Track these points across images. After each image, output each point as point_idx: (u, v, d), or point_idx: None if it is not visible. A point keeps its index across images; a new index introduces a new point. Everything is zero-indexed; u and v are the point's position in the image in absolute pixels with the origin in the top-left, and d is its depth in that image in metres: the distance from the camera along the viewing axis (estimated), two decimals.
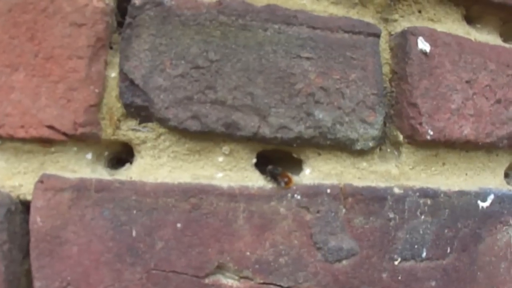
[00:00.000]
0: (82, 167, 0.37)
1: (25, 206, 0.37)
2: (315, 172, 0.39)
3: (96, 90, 0.35)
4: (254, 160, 0.39)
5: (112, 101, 0.36)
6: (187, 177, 0.37)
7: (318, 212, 0.37)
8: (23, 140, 0.35)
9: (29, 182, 0.36)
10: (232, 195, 0.36)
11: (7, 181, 0.36)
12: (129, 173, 0.37)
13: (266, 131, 0.37)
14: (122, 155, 0.41)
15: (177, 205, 0.36)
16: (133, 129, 0.37)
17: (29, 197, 0.36)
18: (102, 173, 0.38)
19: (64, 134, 0.35)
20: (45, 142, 0.35)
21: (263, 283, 0.36)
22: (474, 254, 0.40)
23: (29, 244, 0.36)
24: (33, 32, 0.35)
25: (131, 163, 0.39)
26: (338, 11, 0.40)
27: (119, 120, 0.37)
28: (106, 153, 0.39)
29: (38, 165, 0.36)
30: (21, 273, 0.37)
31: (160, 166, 0.37)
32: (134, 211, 0.35)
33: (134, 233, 0.35)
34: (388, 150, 0.42)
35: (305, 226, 0.37)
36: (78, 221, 0.35)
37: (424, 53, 0.40)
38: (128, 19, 0.36)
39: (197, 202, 0.36)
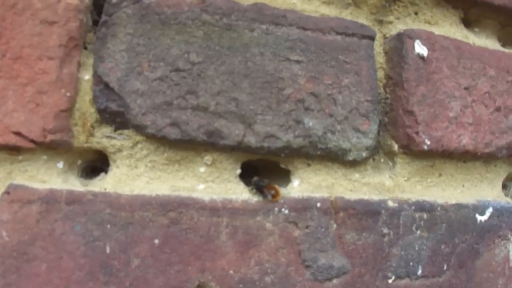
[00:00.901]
0: (53, 177, 0.34)
1: None
2: (304, 184, 0.37)
3: (68, 94, 0.33)
4: (239, 171, 0.36)
5: (86, 106, 0.34)
6: (165, 189, 0.35)
7: (307, 227, 0.35)
8: None
9: None
10: (214, 209, 0.34)
11: None
12: (104, 183, 0.35)
13: (251, 140, 0.34)
14: (96, 163, 0.38)
15: (154, 219, 0.33)
16: (108, 137, 0.34)
17: None
18: (75, 184, 0.35)
19: (32, 141, 0.32)
20: (12, 150, 0.33)
21: None
22: (471, 270, 0.38)
23: None
24: (1, 30, 0.33)
25: (106, 172, 0.37)
26: (330, 11, 0.38)
27: (92, 127, 0.34)
28: (79, 162, 0.36)
29: (4, 174, 0.33)
30: None
31: (136, 176, 0.35)
32: (108, 226, 0.33)
33: (108, 250, 0.33)
34: (382, 160, 0.40)
35: (293, 243, 0.35)
36: (47, 236, 0.32)
37: (421, 57, 0.38)
38: (103, 17, 0.34)
39: (176, 216, 0.33)
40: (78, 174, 0.37)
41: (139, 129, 0.33)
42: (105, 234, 0.33)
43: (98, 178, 0.36)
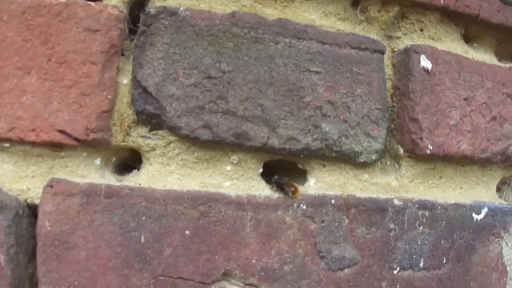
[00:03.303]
0: (91, 172, 0.37)
1: (32, 209, 0.37)
2: (320, 182, 0.41)
3: (109, 96, 0.36)
4: (261, 170, 0.40)
5: (123, 108, 0.37)
6: (195, 185, 0.38)
7: (322, 221, 0.39)
8: (33, 144, 0.36)
9: (37, 186, 0.37)
10: (240, 204, 0.38)
11: (15, 184, 0.36)
12: (138, 179, 0.38)
13: (275, 142, 0.38)
14: (129, 161, 0.41)
15: (185, 212, 0.37)
16: (143, 136, 0.37)
17: (36, 201, 0.36)
18: (110, 179, 0.38)
19: (76, 139, 0.35)
20: (55, 147, 0.36)
21: None
22: (468, 264, 0.43)
23: (34, 248, 0.36)
24: (47, 35, 0.36)
25: (138, 169, 0.40)
26: (345, 27, 0.42)
27: (129, 127, 0.37)
28: (113, 159, 0.39)
29: (46, 169, 0.36)
30: (26, 277, 0.37)
31: (168, 173, 0.38)
32: (143, 218, 0.36)
33: (142, 239, 0.36)
34: (388, 163, 0.44)
35: (310, 235, 0.39)
36: (87, 226, 0.36)
37: (426, 70, 0.42)
38: (142, 27, 0.37)
39: (206, 210, 0.37)
40: (112, 170, 0.40)
41: (173, 130, 0.36)
42: (140, 225, 0.36)
43: (131, 174, 0.39)
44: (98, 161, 0.36)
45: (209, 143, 0.36)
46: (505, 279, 0.42)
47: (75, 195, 0.34)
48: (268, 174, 0.40)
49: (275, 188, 0.38)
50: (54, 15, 0.35)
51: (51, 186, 0.34)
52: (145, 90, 0.35)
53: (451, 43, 0.44)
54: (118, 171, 0.39)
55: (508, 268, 0.42)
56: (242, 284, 0.36)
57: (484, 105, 0.43)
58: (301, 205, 0.38)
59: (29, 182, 0.35)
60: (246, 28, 0.37)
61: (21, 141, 0.34)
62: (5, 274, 0.34)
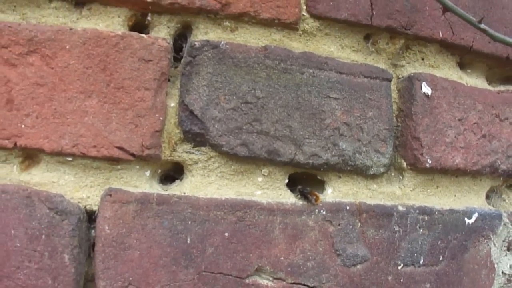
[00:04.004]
0: (142, 183, 0.43)
1: (89, 215, 0.43)
2: (336, 192, 0.47)
3: (160, 118, 0.41)
4: (287, 181, 0.46)
5: (171, 127, 0.43)
6: (232, 194, 0.44)
7: (339, 225, 0.45)
8: (93, 158, 0.41)
9: (95, 194, 0.42)
10: (270, 210, 0.44)
11: (76, 193, 0.41)
12: (182, 188, 0.44)
13: (300, 157, 0.44)
14: (170, 172, 0.47)
15: (225, 217, 0.43)
16: (187, 152, 0.43)
17: (94, 208, 0.42)
18: (158, 188, 0.44)
19: (132, 154, 0.41)
20: (113, 161, 0.41)
21: (293, 283, 0.44)
22: (461, 262, 0.50)
23: (89, 249, 0.42)
24: (106, 64, 0.41)
25: (180, 180, 0.46)
26: (358, 57, 0.48)
27: (175, 144, 0.43)
28: (159, 171, 0.45)
29: (103, 180, 0.42)
30: (83, 274, 0.43)
31: (209, 183, 0.44)
32: (189, 222, 0.42)
33: (188, 240, 0.42)
34: (393, 174, 0.50)
35: (328, 236, 0.45)
36: (140, 229, 0.41)
37: (426, 95, 0.49)
38: (188, 58, 0.43)
39: (242, 215, 0.43)
40: (158, 180, 0.46)
41: (215, 147, 0.42)
42: (186, 228, 0.42)
43: (175, 184, 0.45)
44: (147, 173, 0.42)
45: (245, 158, 0.42)
46: (493, 275, 0.50)
47: (131, 203, 0.40)
48: (291, 185, 0.46)
49: (299, 196, 0.44)
50: (112, 46, 0.41)
51: (110, 195, 0.40)
52: (191, 113, 0.41)
53: (448, 70, 0.51)
54: (162, 181, 0.45)
55: (496, 265, 0.50)
56: (271, 278, 0.43)
57: (476, 124, 0.50)
58: (321, 211, 0.44)
59: (88, 191, 0.41)
60: (277, 60, 0.43)
61: (83, 156, 0.40)
62: (69, 271, 0.39)
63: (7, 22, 0.39)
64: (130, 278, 0.39)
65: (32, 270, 0.38)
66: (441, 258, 0.47)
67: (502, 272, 0.50)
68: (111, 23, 0.41)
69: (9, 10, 0.40)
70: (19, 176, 0.40)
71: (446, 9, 0.43)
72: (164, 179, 0.46)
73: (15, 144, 0.38)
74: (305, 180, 0.47)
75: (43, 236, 0.38)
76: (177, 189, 0.43)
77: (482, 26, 0.43)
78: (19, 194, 0.38)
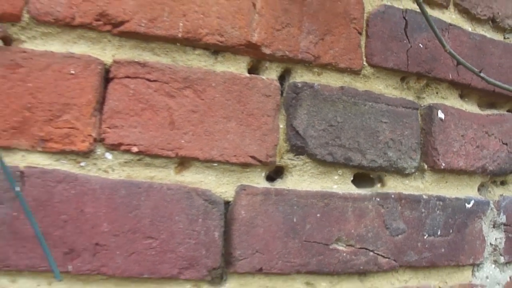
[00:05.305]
0: (261, 181, 0.62)
1: (225, 204, 0.60)
2: (383, 186, 0.69)
3: (277, 136, 0.61)
4: (352, 178, 0.67)
5: (281, 142, 0.62)
6: (318, 187, 0.64)
7: (387, 208, 0.67)
8: (232, 164, 0.59)
9: (230, 189, 0.60)
10: (344, 198, 0.65)
11: (217, 188, 0.59)
12: (284, 184, 0.63)
13: (364, 162, 0.66)
14: (271, 173, 0.67)
15: (317, 203, 0.63)
16: (290, 159, 0.63)
17: (229, 199, 0.60)
18: (266, 184, 0.63)
19: (260, 161, 0.60)
20: (245, 166, 0.60)
21: (360, 248, 0.65)
22: (463, 234, 0.73)
23: (225, 228, 0.59)
24: (240, 97, 0.60)
25: (281, 178, 0.65)
26: (397, 93, 0.70)
27: (283, 153, 0.63)
28: (267, 172, 0.64)
29: (236, 179, 0.60)
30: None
31: (303, 181, 0.64)
32: (294, 207, 0.61)
33: (294, 220, 0.61)
34: (418, 173, 0.73)
35: (381, 216, 0.67)
36: (264, 213, 0.60)
37: (441, 119, 0.72)
38: (292, 94, 0.62)
39: (327, 202, 0.63)
40: (265, 179, 0.65)
41: (311, 156, 0.62)
42: (293, 212, 0.61)
43: (277, 182, 0.65)
44: (263, 174, 0.62)
45: (329, 163, 0.63)
46: (483, 245, 0.74)
47: (258, 195, 0.59)
48: (354, 181, 0.67)
49: (358, 185, 0.65)
50: (244, 85, 0.59)
51: (244, 189, 0.59)
52: (297, 132, 0.61)
53: (453, 100, 0.75)
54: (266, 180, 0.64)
55: (486, 238, 0.74)
56: (345, 245, 0.63)
57: (472, 139, 0.74)
58: (376, 198, 0.66)
59: (225, 187, 0.59)
60: (349, 96, 0.64)
61: (226, 162, 0.58)
62: (218, 244, 0.58)
63: (167, 63, 0.57)
64: (257, 247, 0.59)
65: (191, 245, 0.56)
66: (451, 231, 0.71)
67: (490, 243, 0.75)
68: (239, 67, 0.60)
69: (163, 54, 0.58)
70: (175, 177, 0.57)
71: (458, 63, 0.66)
72: (267, 178, 0.65)
73: (176, 154, 0.56)
74: (362, 178, 0.69)
75: (200, 219, 0.56)
76: (282, 184, 0.63)
77: (482, 74, 0.66)
78: (181, 190, 0.56)
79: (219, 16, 0.58)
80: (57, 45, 0.54)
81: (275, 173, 0.64)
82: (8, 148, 0.52)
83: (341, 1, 0.64)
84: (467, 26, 0.76)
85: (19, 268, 0.51)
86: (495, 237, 0.75)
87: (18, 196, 0.48)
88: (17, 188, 0.49)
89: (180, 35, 0.56)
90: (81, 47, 0.55)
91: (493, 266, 0.75)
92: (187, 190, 0.56)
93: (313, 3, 0.62)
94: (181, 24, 0.56)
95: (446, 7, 0.74)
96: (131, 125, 0.54)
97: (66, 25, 0.54)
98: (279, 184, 0.62)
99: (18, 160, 0.53)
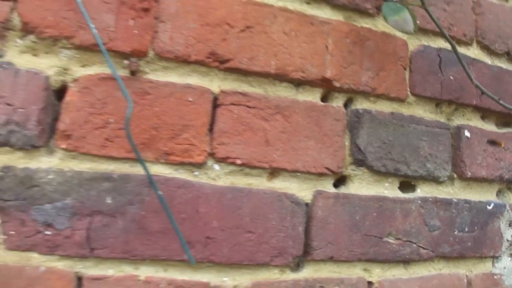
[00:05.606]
0: (330, 187, 0.78)
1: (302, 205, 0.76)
2: (422, 191, 0.85)
3: (344, 152, 0.77)
4: (398, 185, 0.84)
5: (346, 157, 0.78)
6: (373, 192, 0.80)
7: (426, 208, 0.83)
8: (309, 173, 0.75)
9: (308, 194, 0.75)
10: (394, 200, 0.81)
11: (299, 193, 0.74)
12: (348, 190, 0.79)
13: (409, 172, 0.82)
14: (335, 181, 0.82)
15: (373, 205, 0.79)
16: (352, 170, 0.79)
17: (308, 201, 0.75)
18: (333, 190, 0.79)
19: (332, 171, 0.75)
20: (320, 175, 0.76)
21: (405, 241, 0.81)
22: (485, 231, 0.90)
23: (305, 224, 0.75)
24: (317, 121, 0.75)
25: (343, 185, 0.81)
26: (432, 116, 0.87)
27: (347, 165, 0.79)
28: (334, 180, 0.80)
29: (312, 185, 0.76)
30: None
31: (362, 187, 0.80)
32: (357, 208, 0.77)
33: (357, 218, 0.77)
34: (448, 181, 0.90)
35: (421, 215, 0.83)
36: (334, 212, 0.76)
37: (467, 137, 0.89)
38: (355, 118, 0.78)
39: (381, 204, 0.79)
40: (332, 185, 0.81)
41: (369, 167, 0.78)
42: (355, 211, 0.77)
43: (342, 188, 0.80)
44: (331, 182, 0.77)
45: (382, 173, 0.79)
46: (501, 240, 0.91)
47: (330, 198, 0.75)
48: (400, 187, 0.84)
49: (403, 191, 0.82)
50: (320, 111, 0.75)
51: (320, 194, 0.74)
52: (359, 149, 0.77)
53: (476, 121, 0.91)
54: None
55: (503, 235, 0.91)
56: (394, 239, 0.79)
57: (492, 153, 0.90)
58: (418, 201, 0.82)
59: (304, 192, 0.75)
60: (397, 120, 0.80)
61: (307, 172, 0.74)
62: (301, 237, 0.73)
63: (261, 93, 0.72)
64: (329, 240, 0.75)
65: (281, 237, 0.72)
66: (475, 228, 0.87)
67: (506, 239, 0.92)
68: (315, 96, 0.76)
69: (257, 86, 0.73)
70: (266, 184, 0.73)
71: (482, 93, 0.83)
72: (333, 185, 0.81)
73: (270, 166, 0.72)
74: (405, 185, 0.85)
75: (288, 217, 0.72)
76: (344, 190, 0.78)
77: (501, 101, 0.83)
78: (274, 194, 0.72)
79: (301, 56, 0.74)
80: (175, 76, 0.69)
81: (338, 181, 0.80)
82: (137, 160, 0.67)
83: (391, 43, 0.81)
84: (487, 60, 0.93)
85: (143, 258, 0.65)
86: (510, 234, 0.92)
87: (159, 198, 0.63)
88: (159, 192, 0.64)
89: (272, 71, 0.72)
90: (193, 79, 0.70)
91: (509, 259, 0.92)
92: (278, 194, 0.72)
93: (370, 45, 0.79)
94: (273, 63, 0.72)
95: (471, 44, 0.91)
96: (235, 142, 0.70)
97: (183, 61, 0.69)
98: (343, 190, 0.78)
99: (144, 170, 0.68)
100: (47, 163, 0.64)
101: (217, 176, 0.70)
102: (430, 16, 0.75)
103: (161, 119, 0.67)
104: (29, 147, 0.63)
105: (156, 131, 0.67)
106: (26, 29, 0.64)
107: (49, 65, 0.65)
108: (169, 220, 0.63)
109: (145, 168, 0.61)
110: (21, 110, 0.64)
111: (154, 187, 0.63)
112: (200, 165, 0.69)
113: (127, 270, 0.65)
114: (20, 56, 0.65)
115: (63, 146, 0.64)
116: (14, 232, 0.62)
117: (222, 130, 0.70)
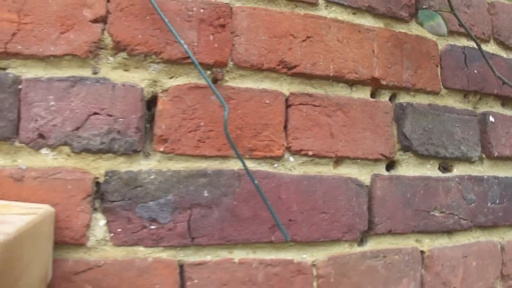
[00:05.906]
0: (383, 170, 0.90)
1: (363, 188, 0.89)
2: (458, 170, 0.99)
3: (394, 139, 0.90)
4: (437, 166, 0.97)
5: (395, 144, 0.91)
6: (418, 173, 0.93)
7: (463, 185, 0.97)
8: (368, 159, 0.88)
9: (367, 177, 0.87)
10: (436, 180, 0.94)
11: (360, 177, 0.87)
12: (397, 172, 0.92)
13: (447, 155, 0.95)
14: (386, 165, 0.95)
15: (420, 184, 0.91)
16: (400, 155, 0.92)
17: (367, 183, 0.88)
18: (386, 173, 0.92)
19: (386, 157, 0.88)
20: (375, 160, 0.88)
21: (448, 213, 0.94)
22: None
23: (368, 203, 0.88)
24: (371, 115, 0.88)
25: (393, 168, 0.94)
26: (461, 105, 1.00)
27: (396, 151, 0.91)
28: (385, 164, 0.93)
29: (369, 170, 0.87)
30: None
31: (408, 170, 0.92)
32: (407, 187, 0.90)
33: (408, 195, 0.90)
34: (478, 161, 1.03)
35: (460, 190, 0.96)
36: (390, 190, 0.88)
37: (492, 122, 1.02)
38: (400, 111, 0.91)
39: (427, 183, 0.92)
40: (385, 169, 0.93)
41: (414, 152, 0.91)
42: (406, 190, 0.90)
43: (392, 171, 0.93)
44: (384, 166, 0.90)
45: (425, 156, 0.92)
46: None
47: (386, 180, 0.87)
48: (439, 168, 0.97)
49: (442, 169, 0.95)
50: (372, 106, 0.88)
51: (377, 176, 0.87)
52: (405, 136, 0.90)
53: (498, 108, 1.05)
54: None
55: None
56: (439, 212, 0.92)
57: None
58: (455, 178, 0.95)
59: (364, 176, 0.87)
60: (434, 110, 0.94)
61: (366, 159, 0.86)
62: (366, 215, 0.85)
63: (323, 93, 0.85)
64: (388, 215, 0.87)
65: (350, 216, 0.84)
66: (504, 200, 1.01)
67: None
68: (365, 94, 0.89)
69: (318, 87, 0.85)
70: (333, 171, 0.85)
71: (503, 83, 0.97)
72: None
73: (336, 155, 0.84)
74: (443, 165, 0.99)
75: (354, 198, 0.84)
76: (395, 172, 0.91)
77: None
78: (341, 179, 0.84)
79: (353, 60, 0.87)
80: (250, 83, 0.81)
81: (388, 165, 0.93)
82: (226, 157, 0.79)
83: (424, 44, 0.94)
84: (503, 54, 1.07)
85: (236, 242, 0.76)
86: None
87: (256, 187, 0.75)
88: (256, 182, 0.75)
89: (331, 74, 0.85)
90: (266, 84, 0.82)
91: None
92: (345, 179, 0.84)
93: (407, 47, 0.92)
94: (331, 67, 0.85)
95: (488, 41, 1.05)
96: (306, 136, 0.82)
97: (257, 69, 0.81)
98: (393, 172, 0.91)
99: (232, 165, 0.79)
100: (146, 165, 0.74)
101: (292, 167, 0.82)
102: (458, 20, 0.88)
103: (244, 120, 0.79)
104: (131, 152, 0.73)
105: (240, 130, 0.79)
106: (118, 47, 0.74)
107: (140, 78, 0.76)
108: (266, 205, 0.75)
109: (243, 162, 0.72)
110: (121, 119, 0.74)
111: (251, 178, 0.74)
112: (278, 158, 0.81)
113: (222, 254, 0.76)
114: (113, 72, 0.75)
115: (161, 149, 0.75)
116: (120, 230, 0.71)
117: (294, 127, 0.82)
